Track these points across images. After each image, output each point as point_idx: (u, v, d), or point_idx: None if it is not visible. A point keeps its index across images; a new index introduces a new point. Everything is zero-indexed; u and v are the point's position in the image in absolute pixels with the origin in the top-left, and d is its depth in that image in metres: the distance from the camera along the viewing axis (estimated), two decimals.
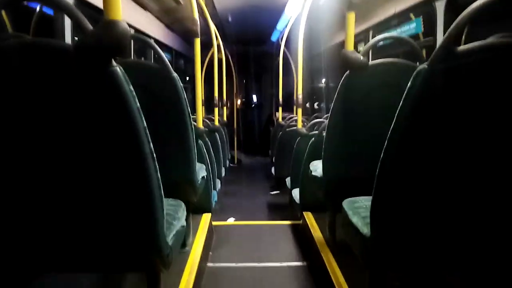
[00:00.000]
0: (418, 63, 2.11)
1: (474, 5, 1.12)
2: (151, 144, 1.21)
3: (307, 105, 7.52)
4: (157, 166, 1.26)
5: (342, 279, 2.05)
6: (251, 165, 7.78)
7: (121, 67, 1.11)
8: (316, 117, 5.04)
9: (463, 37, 2.32)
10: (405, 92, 1.18)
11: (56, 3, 1.20)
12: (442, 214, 1.32)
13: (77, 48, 1.06)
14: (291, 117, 5.73)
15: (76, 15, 1.08)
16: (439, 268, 1.52)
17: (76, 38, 2.67)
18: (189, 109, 2.14)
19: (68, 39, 2.60)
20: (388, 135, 1.24)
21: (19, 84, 1.12)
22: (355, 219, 1.59)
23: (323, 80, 6.85)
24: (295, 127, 4.24)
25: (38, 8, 2.56)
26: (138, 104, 1.15)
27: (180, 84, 2.07)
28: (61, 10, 1.38)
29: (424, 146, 1.22)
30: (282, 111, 6.33)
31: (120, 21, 1.10)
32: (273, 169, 5.55)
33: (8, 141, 1.19)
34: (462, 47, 1.11)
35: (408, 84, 1.17)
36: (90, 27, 1.08)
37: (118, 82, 1.09)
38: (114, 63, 1.09)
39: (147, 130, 1.19)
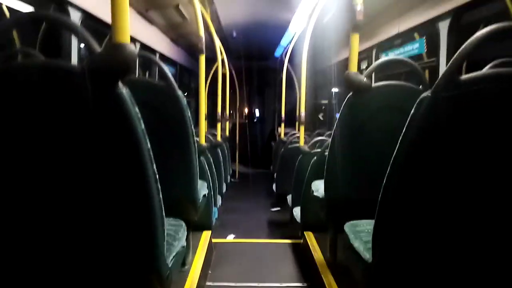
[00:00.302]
0: (421, 85, 2.11)
1: (478, 34, 1.12)
2: (154, 165, 1.21)
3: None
4: (160, 188, 1.26)
5: None
6: (252, 180, 7.75)
7: (127, 89, 1.11)
8: (319, 134, 5.05)
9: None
10: (408, 119, 1.18)
11: (64, 24, 1.21)
12: (445, 243, 1.31)
13: (85, 70, 1.07)
14: (293, 134, 5.74)
15: (85, 36, 1.09)
16: None
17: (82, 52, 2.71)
18: (193, 127, 2.14)
19: (75, 53, 2.63)
20: (391, 161, 1.24)
21: (26, 104, 1.13)
22: (356, 244, 1.58)
23: (326, 97, 6.88)
24: (297, 144, 4.24)
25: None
26: (143, 126, 1.15)
27: (185, 102, 2.07)
28: (69, 31, 1.40)
29: (427, 174, 1.21)
30: (285, 127, 6.34)
31: (128, 44, 1.11)
32: (274, 186, 5.53)
33: (11, 159, 1.19)
34: (465, 76, 1.11)
35: (412, 111, 1.17)
36: (97, 47, 1.09)
37: (124, 104, 1.10)
38: (121, 85, 1.09)
39: (151, 152, 1.19)
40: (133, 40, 3.77)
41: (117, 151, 1.16)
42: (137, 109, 1.13)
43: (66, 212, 1.24)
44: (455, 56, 1.13)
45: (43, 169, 1.19)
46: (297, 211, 3.50)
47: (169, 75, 2.08)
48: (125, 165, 1.17)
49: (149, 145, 1.18)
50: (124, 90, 1.09)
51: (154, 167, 1.21)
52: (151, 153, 1.19)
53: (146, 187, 1.20)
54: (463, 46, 1.13)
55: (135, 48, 1.13)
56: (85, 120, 1.13)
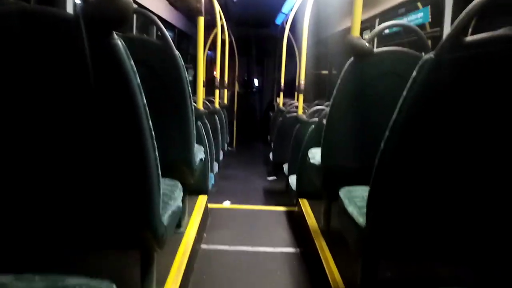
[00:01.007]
0: (423, 53, 2.07)
1: None
2: (150, 121, 1.19)
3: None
4: (155, 145, 1.24)
5: (334, 267, 2.06)
6: (249, 149, 7.78)
7: (122, 41, 1.08)
8: (318, 104, 5.01)
9: (470, 30, 2.29)
10: (410, 81, 1.15)
11: None
12: (438, 207, 1.31)
13: (78, 17, 1.03)
14: (292, 103, 5.69)
15: None
16: (432, 258, 1.52)
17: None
18: (190, 90, 2.10)
19: (70, 6, 2.55)
20: (390, 125, 1.22)
21: (16, 51, 1.09)
22: (350, 208, 1.58)
23: (328, 67, 6.79)
24: (295, 113, 4.22)
25: None
26: (139, 80, 1.13)
27: (182, 62, 2.03)
28: None
29: (425, 138, 1.20)
30: (284, 97, 6.28)
31: None
32: (271, 155, 5.54)
33: (2, 112, 1.16)
34: (470, 38, 1.08)
35: (413, 73, 1.15)
36: None
37: (119, 56, 1.07)
38: (115, 36, 1.06)
39: (147, 107, 1.17)
40: None
41: (112, 103, 1.14)
42: (132, 62, 1.10)
43: (61, 165, 1.23)
44: (460, 16, 1.09)
45: (35, 121, 1.17)
46: (293, 179, 3.52)
47: (166, 33, 2.03)
48: (120, 118, 1.15)
49: (144, 100, 1.15)
50: (119, 41, 1.06)
51: (150, 123, 1.19)
52: (147, 109, 1.17)
53: (142, 142, 1.18)
54: (469, 7, 1.09)
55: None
56: (78, 69, 1.10)
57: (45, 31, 1.06)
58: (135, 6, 3.83)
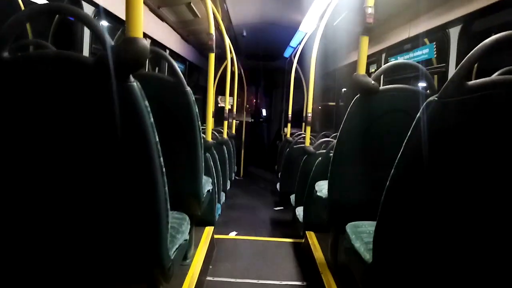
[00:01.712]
0: (429, 90, 2.12)
1: (488, 41, 1.13)
2: (162, 158, 1.23)
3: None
4: (166, 181, 1.28)
5: None
6: (257, 179, 7.77)
7: (138, 82, 1.14)
8: (325, 135, 5.05)
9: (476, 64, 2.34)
10: (414, 122, 1.19)
11: (77, 16, 1.24)
12: (445, 244, 1.32)
13: (97, 62, 1.09)
14: (299, 134, 5.74)
15: (96, 27, 1.12)
16: None
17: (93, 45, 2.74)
18: (200, 123, 2.16)
19: (86, 45, 2.67)
20: (395, 164, 1.25)
21: (39, 94, 1.15)
22: (357, 244, 1.59)
23: (335, 99, 6.87)
24: (302, 144, 4.25)
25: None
26: (152, 119, 1.18)
27: (193, 98, 2.10)
28: (81, 22, 1.42)
29: (430, 178, 1.22)
30: (291, 128, 6.35)
31: (141, 38, 1.13)
32: (278, 185, 5.54)
33: (22, 149, 1.21)
34: (472, 82, 1.12)
35: (417, 115, 1.18)
36: (109, 40, 1.12)
37: (135, 97, 1.12)
38: (132, 78, 1.12)
39: (159, 145, 1.21)
40: (144, 36, 3.79)
41: (126, 143, 1.18)
42: (146, 103, 1.15)
43: (74, 202, 1.26)
44: (463, 61, 1.13)
45: (53, 159, 1.22)
46: (300, 211, 3.51)
47: (178, 70, 2.10)
48: (133, 157, 1.20)
49: (157, 138, 1.20)
50: (135, 83, 1.12)
51: (161, 160, 1.23)
52: (159, 146, 1.21)
53: (153, 179, 1.22)
54: (472, 52, 1.14)
55: (147, 43, 1.15)
56: (96, 111, 1.15)
57: (65, 75, 1.12)
58: (148, 41, 3.99)
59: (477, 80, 1.13)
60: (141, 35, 1.14)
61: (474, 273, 1.36)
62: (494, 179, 1.20)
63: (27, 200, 1.27)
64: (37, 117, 1.17)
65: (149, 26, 3.95)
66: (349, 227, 1.77)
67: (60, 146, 1.20)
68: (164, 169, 1.25)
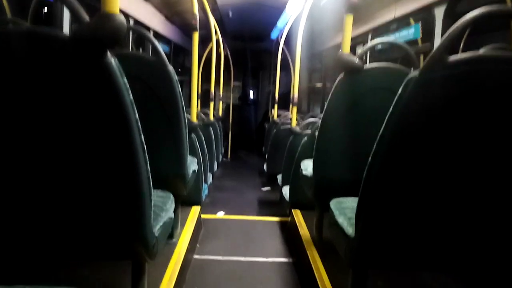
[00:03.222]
0: (412, 68, 2.13)
1: (468, 16, 1.14)
2: (142, 136, 1.23)
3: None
4: (147, 158, 1.28)
5: (325, 277, 2.08)
6: (244, 160, 7.80)
7: (116, 59, 1.12)
8: (311, 117, 5.07)
9: (461, 45, 2.36)
10: (395, 99, 1.20)
11: None
12: (425, 217, 1.36)
13: (73, 38, 1.07)
14: (286, 115, 5.75)
15: (74, 5, 1.09)
16: (420, 267, 1.55)
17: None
18: (184, 103, 2.15)
19: (66, 26, 2.60)
20: (377, 140, 1.27)
21: (13, 70, 1.13)
22: (341, 219, 1.62)
23: (321, 80, 6.88)
24: (289, 126, 4.27)
25: None
26: (131, 96, 1.17)
27: (175, 77, 2.08)
28: (59, 0, 1.39)
29: (411, 153, 1.24)
30: (278, 109, 6.35)
31: (117, 14, 1.11)
32: (265, 166, 5.57)
33: None
34: (453, 57, 1.13)
35: (399, 91, 1.20)
36: (87, 18, 1.09)
37: (112, 74, 1.11)
38: (109, 55, 1.10)
39: (139, 123, 1.21)
40: (126, 16, 3.72)
41: (105, 120, 1.17)
42: (125, 80, 1.14)
43: (54, 178, 1.25)
44: (444, 37, 1.14)
45: (30, 138, 1.20)
46: (286, 190, 3.55)
47: (160, 49, 2.07)
48: (112, 134, 1.19)
49: (137, 115, 1.19)
50: (112, 59, 1.10)
51: (142, 137, 1.23)
52: (139, 124, 1.21)
53: (133, 156, 1.22)
54: (452, 27, 1.15)
55: (124, 19, 1.13)
56: (73, 88, 1.14)
57: (41, 52, 1.10)
58: (131, 21, 3.91)
59: (459, 55, 1.14)
60: (117, 11, 1.12)
61: (455, 241, 1.40)
62: (475, 155, 1.23)
63: (7, 178, 1.26)
64: (12, 95, 1.15)
65: (131, 6, 3.87)
66: (333, 203, 1.80)
67: (38, 125, 1.18)
68: (145, 147, 1.25)
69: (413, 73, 1.18)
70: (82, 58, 1.09)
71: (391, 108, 1.22)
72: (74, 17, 1.09)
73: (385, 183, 1.32)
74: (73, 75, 1.12)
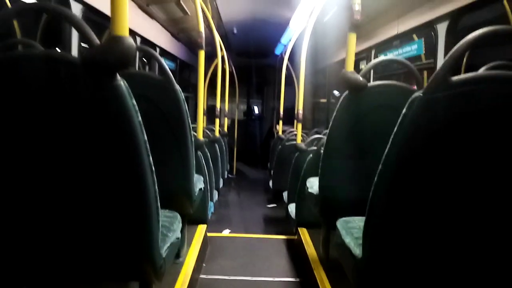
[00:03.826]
0: (416, 86, 2.14)
1: (471, 36, 1.15)
2: (151, 157, 1.24)
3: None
4: (155, 179, 1.28)
5: None
6: (250, 176, 7.79)
7: (124, 81, 1.14)
8: (316, 132, 5.07)
9: (465, 59, 2.37)
10: (400, 118, 1.20)
11: (64, 16, 1.23)
12: (432, 239, 1.34)
13: (84, 62, 1.09)
14: (291, 131, 5.76)
15: (83, 28, 1.12)
16: None
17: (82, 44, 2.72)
18: (190, 121, 2.16)
19: (75, 45, 2.65)
20: (382, 160, 1.27)
21: (25, 93, 1.15)
22: (348, 240, 1.61)
23: (326, 96, 6.90)
24: (294, 142, 4.27)
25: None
26: (140, 118, 1.18)
27: (182, 96, 2.10)
28: (69, 23, 1.42)
29: (416, 172, 1.24)
30: (283, 125, 6.36)
31: (127, 37, 1.13)
32: (271, 182, 5.56)
33: (10, 148, 1.21)
34: (456, 78, 1.14)
35: (403, 111, 1.20)
36: (96, 40, 1.11)
37: (121, 96, 1.12)
38: (118, 77, 1.12)
39: (147, 144, 1.22)
40: (133, 34, 3.78)
41: (114, 142, 1.18)
42: (134, 101, 1.15)
43: (64, 199, 1.26)
44: (447, 57, 1.15)
45: (42, 160, 1.21)
46: (292, 208, 3.53)
47: (167, 68, 2.10)
48: (121, 155, 1.20)
49: (145, 136, 1.20)
50: (121, 82, 1.12)
51: (150, 158, 1.24)
52: (147, 145, 1.22)
53: (142, 177, 1.22)
54: (455, 47, 1.15)
55: (133, 41, 1.15)
56: (83, 110, 1.15)
57: (52, 75, 1.12)
58: (138, 39, 3.97)
59: (461, 76, 1.14)
60: (127, 33, 1.14)
61: (463, 266, 1.38)
62: (481, 174, 1.23)
63: (17, 199, 1.27)
64: (25, 117, 1.17)
65: (138, 24, 3.93)
66: (340, 223, 1.79)
67: (49, 146, 1.20)
68: (153, 168, 1.26)
69: (417, 93, 1.18)
70: (92, 81, 1.10)
71: (395, 128, 1.22)
72: (84, 39, 1.12)
73: (392, 203, 1.31)
74: (83, 97, 1.14)
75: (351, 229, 1.68)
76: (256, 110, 10.33)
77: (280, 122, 6.29)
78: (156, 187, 1.30)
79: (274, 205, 5.30)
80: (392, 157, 1.24)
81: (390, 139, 1.23)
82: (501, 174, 1.22)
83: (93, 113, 1.15)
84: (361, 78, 2.01)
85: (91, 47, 1.10)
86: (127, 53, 1.11)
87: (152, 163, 1.25)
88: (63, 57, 1.12)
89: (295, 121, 4.32)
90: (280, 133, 6.16)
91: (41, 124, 1.18)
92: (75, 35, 2.63)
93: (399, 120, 1.21)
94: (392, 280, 1.48)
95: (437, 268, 1.39)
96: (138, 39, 3.98)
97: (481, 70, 1.91)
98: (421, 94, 1.16)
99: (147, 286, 1.59)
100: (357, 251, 1.49)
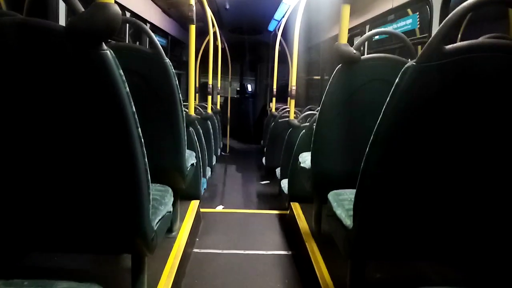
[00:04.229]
0: (410, 59, 2.12)
1: (464, 4, 1.13)
2: (139, 129, 1.22)
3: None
4: (145, 152, 1.27)
5: (324, 269, 2.09)
6: (243, 154, 7.80)
7: (111, 51, 1.11)
8: (310, 109, 5.06)
9: (460, 35, 2.34)
10: (392, 88, 1.19)
11: None
12: (422, 208, 1.35)
13: (68, 29, 1.06)
14: (284, 108, 5.74)
15: None
16: (417, 258, 1.56)
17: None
18: (181, 96, 2.13)
19: (62, 19, 2.58)
20: (374, 130, 1.26)
21: (7, 62, 1.12)
22: (339, 211, 1.62)
23: (319, 72, 6.85)
24: (287, 118, 4.26)
25: None
26: (128, 88, 1.15)
27: (172, 70, 2.06)
28: None
29: (408, 143, 1.24)
30: (277, 102, 6.33)
31: (112, 3, 1.09)
32: (264, 159, 5.57)
33: None
34: (450, 46, 1.12)
35: (396, 80, 1.19)
36: (81, 8, 1.08)
37: (108, 66, 1.09)
38: (104, 46, 1.09)
39: (136, 115, 1.20)
40: (123, 8, 3.69)
41: (102, 112, 1.16)
42: (121, 72, 1.13)
43: (51, 171, 1.25)
44: (440, 26, 1.13)
45: (27, 130, 1.19)
46: (285, 183, 3.55)
47: (156, 41, 2.06)
48: (109, 127, 1.18)
49: (133, 108, 1.18)
50: (108, 51, 1.09)
51: (139, 130, 1.22)
52: (136, 117, 1.20)
53: (131, 149, 1.21)
54: (449, 16, 1.14)
55: (119, 9, 1.11)
56: (68, 80, 1.13)
57: (35, 43, 1.09)
58: (127, 14, 3.87)
59: (455, 44, 1.13)
60: (111, 0, 1.11)
61: (452, 231, 1.41)
62: (473, 143, 1.23)
63: (5, 173, 1.25)
64: (5, 86, 1.14)
65: None
66: (331, 196, 1.80)
67: (32, 118, 1.17)
68: (142, 140, 1.24)
69: (410, 62, 1.17)
70: (76, 50, 1.07)
71: (388, 98, 1.21)
72: (69, 8, 1.08)
73: (383, 174, 1.32)
74: (67, 66, 1.11)
75: (342, 201, 1.69)
76: (249, 87, 10.25)
77: (274, 99, 6.26)
78: (146, 160, 1.29)
79: (267, 181, 5.33)
80: (384, 126, 1.23)
81: (383, 109, 1.23)
82: (493, 142, 1.22)
83: (79, 84, 1.13)
84: (354, 51, 1.99)
85: (76, 15, 1.07)
86: (112, 20, 1.07)
87: (141, 135, 1.23)
88: (45, 25, 1.09)
89: (289, 98, 4.30)
90: (274, 110, 6.14)
91: (24, 94, 1.15)
92: (62, 9, 2.56)
93: (392, 90, 1.20)
94: (382, 248, 1.51)
95: (427, 235, 1.42)
96: (128, 14, 3.88)
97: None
98: (414, 63, 1.15)
99: (139, 259, 1.60)
100: (348, 221, 1.50)
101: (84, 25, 1.05)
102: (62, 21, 2.59)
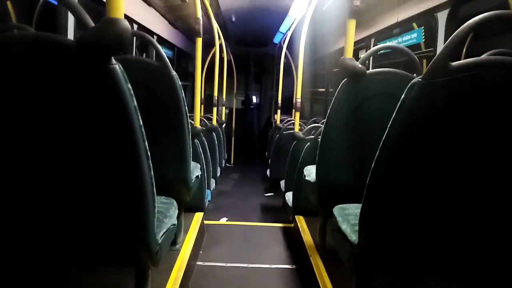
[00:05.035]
0: (415, 74, 2.12)
1: (471, 21, 1.14)
2: (146, 142, 1.23)
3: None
4: (151, 165, 1.27)
5: (329, 284, 2.07)
6: (247, 165, 7.79)
7: (120, 65, 1.12)
8: (314, 122, 5.06)
9: (465, 49, 2.35)
10: (399, 103, 1.20)
11: (59, 0, 1.21)
12: (428, 224, 1.34)
13: (78, 44, 1.07)
14: (289, 120, 5.75)
15: (78, 11, 1.09)
16: (423, 274, 1.53)
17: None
18: (187, 108, 2.15)
19: (71, 31, 2.62)
20: (380, 145, 1.26)
21: (19, 76, 1.13)
22: (344, 226, 1.61)
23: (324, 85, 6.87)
24: (292, 130, 4.26)
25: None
26: (135, 102, 1.16)
27: (179, 82, 2.08)
28: (64, 6, 1.39)
29: (414, 157, 1.23)
30: (281, 114, 6.35)
31: (122, 19, 1.11)
32: (268, 171, 5.56)
33: (4, 133, 1.20)
34: (456, 63, 1.13)
35: (402, 96, 1.19)
36: (91, 23, 1.09)
37: (116, 80, 1.10)
38: (113, 60, 1.10)
39: (143, 129, 1.20)
40: (130, 21, 3.74)
41: (109, 126, 1.17)
42: (129, 85, 1.14)
43: (59, 184, 1.25)
44: (447, 42, 1.14)
45: (35, 144, 1.20)
46: (289, 196, 3.53)
47: (164, 54, 2.08)
48: (117, 140, 1.19)
49: (141, 121, 1.19)
50: (117, 66, 1.10)
51: (146, 144, 1.23)
52: (143, 130, 1.20)
53: (137, 162, 1.21)
54: (455, 33, 1.14)
55: (128, 24, 1.13)
56: (77, 94, 1.14)
57: (46, 57, 1.10)
58: (135, 27, 3.93)
59: (461, 61, 1.13)
60: (121, 16, 1.12)
61: (458, 248, 1.39)
62: (479, 160, 1.22)
63: (12, 184, 1.26)
64: (17, 101, 1.15)
65: (135, 11, 3.89)
66: (336, 210, 1.79)
67: (42, 131, 1.18)
68: (149, 153, 1.25)
69: (416, 78, 1.17)
70: (86, 64, 1.09)
71: (394, 113, 1.21)
72: (79, 22, 1.10)
73: (389, 189, 1.31)
74: (77, 80, 1.12)
75: (347, 216, 1.68)
76: (254, 99, 10.29)
77: (278, 111, 6.28)
78: (152, 173, 1.29)
79: (272, 194, 5.31)
80: (390, 142, 1.23)
81: (389, 124, 1.23)
82: (499, 159, 1.22)
83: (88, 97, 1.14)
84: (360, 65, 2.00)
85: (86, 29, 1.08)
86: (122, 35, 1.09)
87: (147, 149, 1.24)
88: (56, 40, 1.10)
89: (293, 110, 4.31)
90: (278, 122, 6.15)
91: (34, 107, 1.16)
92: (71, 21, 2.60)
93: (397, 105, 1.20)
94: (387, 264, 1.49)
95: (433, 252, 1.40)
96: (135, 26, 3.93)
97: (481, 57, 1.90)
98: (420, 79, 1.15)
99: (143, 272, 1.59)
100: (353, 237, 1.49)
101: (95, 40, 1.06)
102: (70, 33, 2.63)
